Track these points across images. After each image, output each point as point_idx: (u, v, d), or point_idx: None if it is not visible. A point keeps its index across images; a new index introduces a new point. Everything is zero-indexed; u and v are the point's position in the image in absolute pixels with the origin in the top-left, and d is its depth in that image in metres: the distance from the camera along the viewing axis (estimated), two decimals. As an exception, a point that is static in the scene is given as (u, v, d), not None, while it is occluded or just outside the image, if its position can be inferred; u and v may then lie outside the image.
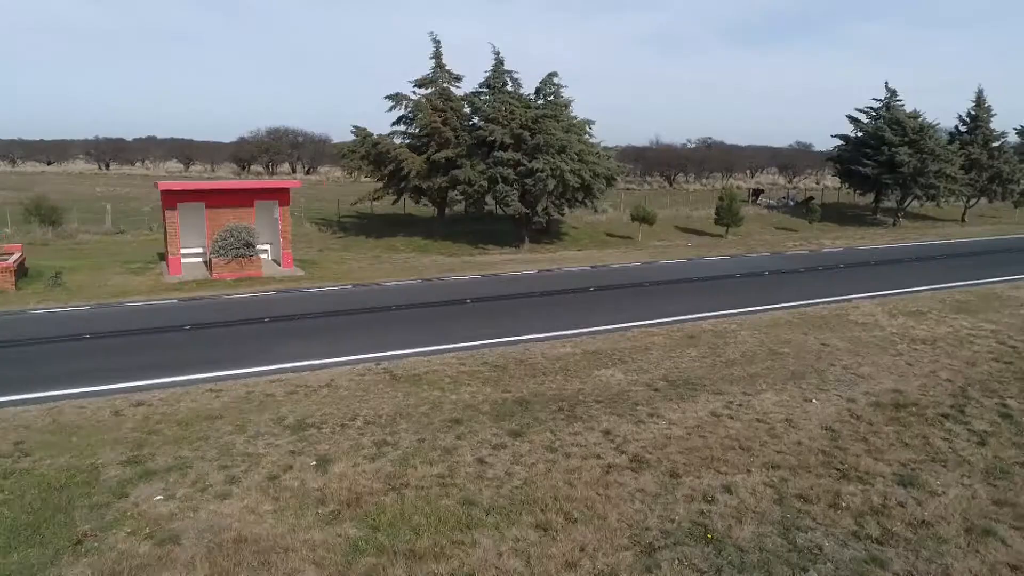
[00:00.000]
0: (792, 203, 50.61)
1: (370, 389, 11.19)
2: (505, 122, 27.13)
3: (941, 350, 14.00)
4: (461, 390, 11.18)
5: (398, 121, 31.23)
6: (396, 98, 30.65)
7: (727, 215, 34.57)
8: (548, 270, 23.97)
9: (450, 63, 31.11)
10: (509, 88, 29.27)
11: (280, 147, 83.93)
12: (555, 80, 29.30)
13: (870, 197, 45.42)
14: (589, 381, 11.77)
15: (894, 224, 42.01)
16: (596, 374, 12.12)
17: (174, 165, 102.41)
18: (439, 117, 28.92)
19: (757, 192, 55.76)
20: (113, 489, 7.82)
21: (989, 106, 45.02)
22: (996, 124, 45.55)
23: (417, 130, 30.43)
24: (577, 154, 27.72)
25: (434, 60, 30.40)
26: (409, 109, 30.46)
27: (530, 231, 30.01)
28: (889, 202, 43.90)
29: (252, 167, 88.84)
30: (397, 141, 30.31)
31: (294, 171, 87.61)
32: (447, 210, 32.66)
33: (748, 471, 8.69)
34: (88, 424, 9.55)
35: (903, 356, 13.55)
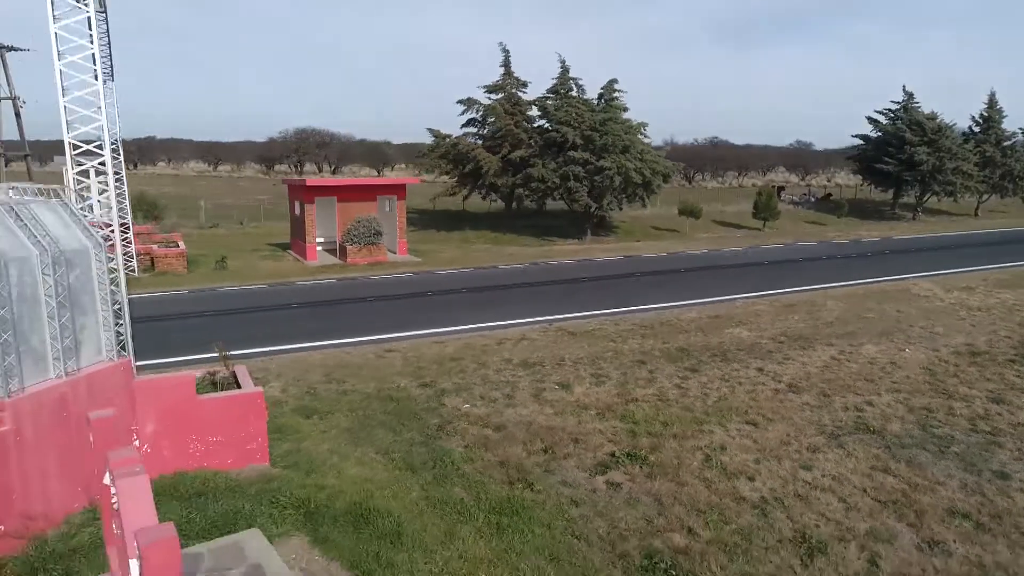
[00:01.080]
0: (814, 199, 53.64)
1: (558, 341, 14.07)
2: (575, 124, 30.00)
3: (995, 316, 16.93)
4: (629, 341, 14.07)
5: (468, 123, 34.13)
6: (467, 102, 33.51)
7: (765, 210, 37.54)
8: (628, 256, 26.93)
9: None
10: (574, 93, 32.16)
11: (308, 147, 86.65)
12: (615, 86, 32.22)
13: (886, 193, 48.54)
14: (724, 337, 14.66)
15: (914, 218, 45.06)
16: (727, 331, 15.02)
17: (197, 165, 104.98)
18: (511, 120, 31.76)
19: (779, 189, 58.81)
20: (431, 400, 10.66)
21: (1000, 108, 48.16)
22: (1005, 124, 48.85)
23: (486, 131, 33.30)
24: (639, 153, 30.63)
25: (503, 68, 33.28)
26: (480, 112, 33.33)
27: (591, 224, 32.90)
28: (907, 198, 46.98)
29: (277, 167, 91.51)
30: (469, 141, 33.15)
31: (320, 170, 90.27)
32: (513, 205, 35.53)
33: (878, 394, 11.56)
34: (366, 363, 12.38)
35: (966, 320, 16.47)
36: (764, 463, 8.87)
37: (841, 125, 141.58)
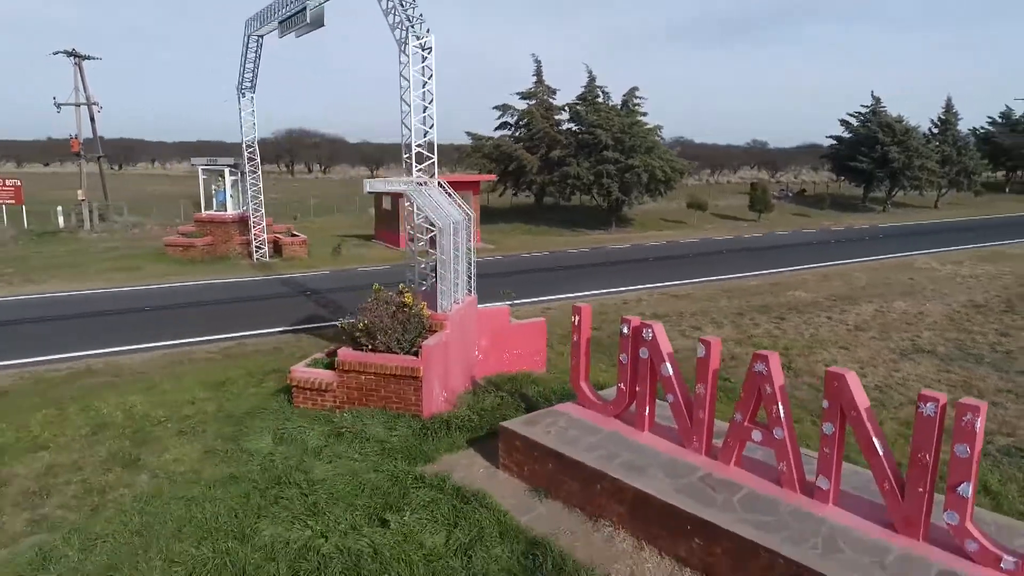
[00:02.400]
0: (790, 194, 58.83)
1: (665, 301, 17.94)
2: (607, 127, 33.93)
3: (983, 282, 21.43)
4: (721, 302, 18.03)
5: (502, 126, 37.78)
6: (503, 108, 37.18)
7: (760, 203, 42.14)
8: (670, 241, 31.09)
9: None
10: (600, 100, 36.10)
11: (298, 148, 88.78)
12: (636, 93, 36.29)
13: (857, 188, 53.93)
14: (789, 297, 18.74)
15: (884, 210, 50.39)
16: (789, 294, 19.12)
17: (180, 165, 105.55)
18: (547, 123, 35.55)
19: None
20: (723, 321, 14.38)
21: (956, 111, 54.01)
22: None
23: (519, 133, 36.99)
24: (661, 153, 34.75)
25: (535, 76, 37.03)
26: (516, 116, 37.01)
27: (617, 217, 36.92)
28: (877, 192, 52.37)
29: (266, 166, 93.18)
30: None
31: (310, 170, 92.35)
32: (543, 200, 39.31)
33: (920, 332, 15.72)
34: (561, 315, 15.87)
35: (963, 284, 20.92)
36: (866, 369, 12.87)
37: (797, 124, 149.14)
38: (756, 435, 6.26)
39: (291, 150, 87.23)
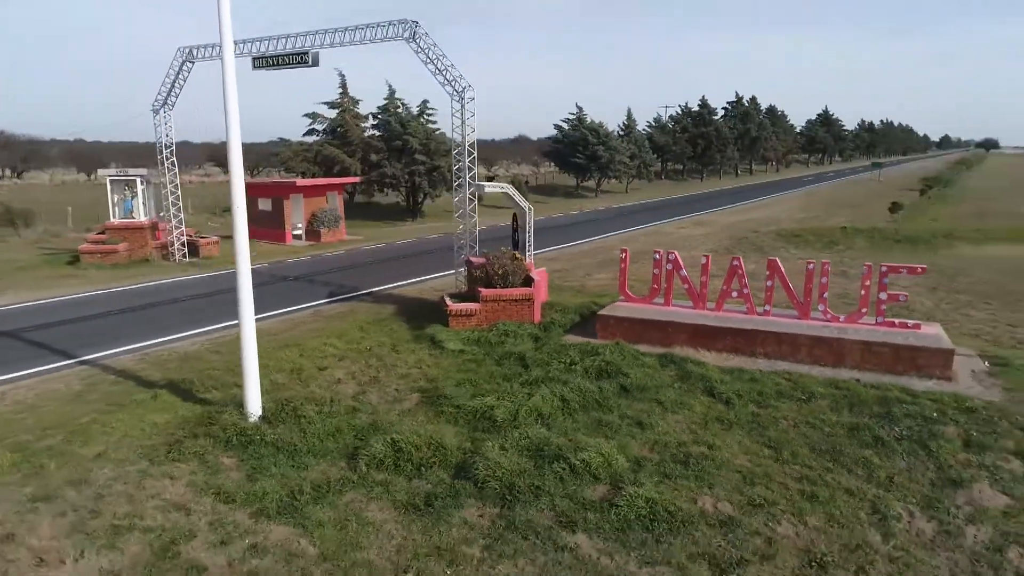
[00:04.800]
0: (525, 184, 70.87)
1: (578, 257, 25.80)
2: (415, 134, 40.46)
3: (707, 238, 33.26)
4: (584, 260, 26.45)
5: (310, 132, 41.92)
6: (312, 116, 41.34)
7: (520, 189, 52.32)
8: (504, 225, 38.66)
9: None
10: (400, 111, 42.36)
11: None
12: (428, 105, 43.34)
13: (571, 178, 67.84)
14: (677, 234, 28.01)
15: (596, 195, 64.58)
16: (611, 252, 28.37)
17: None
18: (360, 130, 40.79)
19: (491, 178, 75.12)
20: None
21: (635, 119, 70.77)
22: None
23: (336, 141, 41.58)
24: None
25: (341, 88, 41.83)
26: (324, 124, 41.46)
27: (417, 210, 43.66)
28: (588, 182, 66.62)
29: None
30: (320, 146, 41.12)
31: (2, 175, 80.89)
32: (354, 198, 44.19)
33: (698, 248, 25.95)
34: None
35: (698, 240, 32.39)
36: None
37: (511, 118, 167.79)
38: (734, 294, 14.59)
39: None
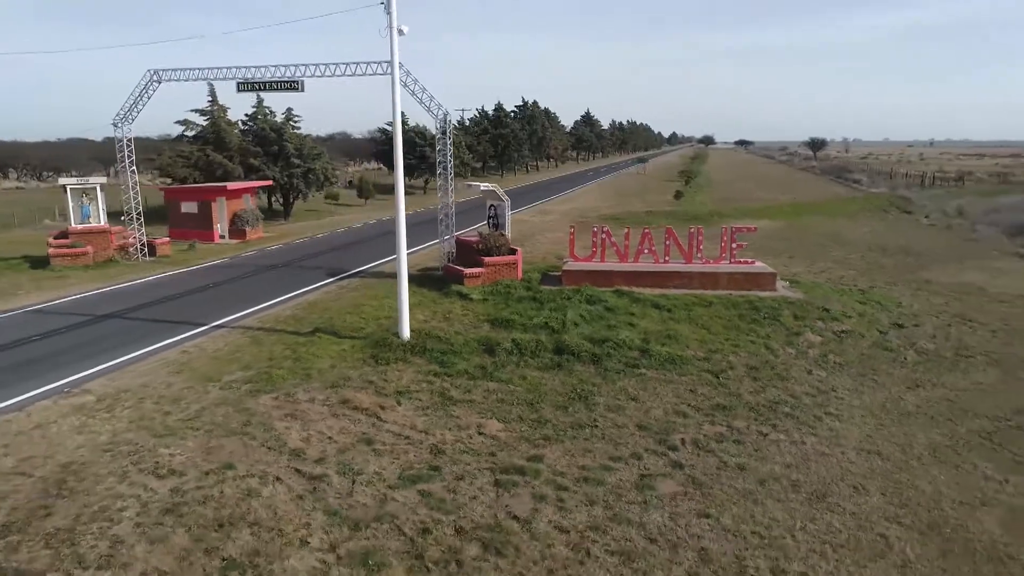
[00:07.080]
0: (344, 185, 75.16)
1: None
2: (292, 141, 44.19)
3: (556, 223, 41.81)
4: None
5: (179, 139, 43.69)
6: (185, 123, 43.24)
7: (366, 190, 57.40)
8: (376, 221, 43.60)
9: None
10: (268, 116, 45.62)
11: None
12: (293, 113, 47.09)
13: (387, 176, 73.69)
14: (532, 222, 35.33)
15: (424, 193, 71.22)
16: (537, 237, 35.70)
17: None
18: (236, 136, 43.53)
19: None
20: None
21: (455, 122, 78.34)
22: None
23: (209, 147, 43.71)
24: (327, 160, 46.78)
25: (211, 97, 44.06)
26: (197, 131, 43.50)
27: (290, 208, 47.31)
28: (416, 180, 73.02)
29: None
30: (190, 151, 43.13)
31: None
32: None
33: (558, 231, 34.34)
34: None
35: (552, 224, 40.81)
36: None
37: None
38: (645, 251, 22.89)
39: None
